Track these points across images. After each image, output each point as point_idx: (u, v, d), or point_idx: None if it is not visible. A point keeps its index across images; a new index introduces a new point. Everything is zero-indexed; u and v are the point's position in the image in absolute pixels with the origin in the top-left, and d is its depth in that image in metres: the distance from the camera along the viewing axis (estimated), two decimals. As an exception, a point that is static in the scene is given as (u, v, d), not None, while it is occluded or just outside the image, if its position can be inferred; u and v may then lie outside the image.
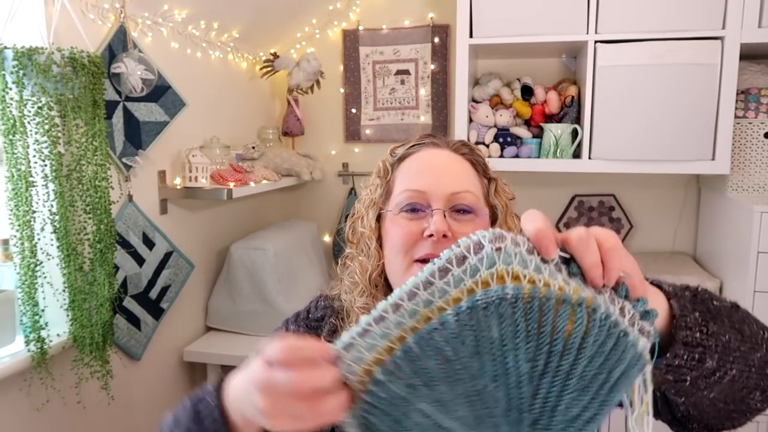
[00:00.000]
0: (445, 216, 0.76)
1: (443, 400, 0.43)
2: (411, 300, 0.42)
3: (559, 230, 2.32)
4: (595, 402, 0.44)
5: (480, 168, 0.84)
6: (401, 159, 0.84)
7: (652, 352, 0.46)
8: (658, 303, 0.54)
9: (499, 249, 0.41)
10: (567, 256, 0.44)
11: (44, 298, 1.34)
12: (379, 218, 0.84)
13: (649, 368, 0.45)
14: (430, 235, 0.74)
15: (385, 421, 0.44)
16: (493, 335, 0.40)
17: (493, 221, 0.83)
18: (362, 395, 0.44)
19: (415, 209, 0.78)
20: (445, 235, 0.73)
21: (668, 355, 0.54)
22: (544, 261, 0.42)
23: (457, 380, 0.42)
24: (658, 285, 0.58)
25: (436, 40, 2.31)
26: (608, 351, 0.42)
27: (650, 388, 0.46)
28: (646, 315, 0.45)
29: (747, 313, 0.62)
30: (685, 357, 0.54)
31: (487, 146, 1.96)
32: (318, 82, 2.33)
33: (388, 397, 0.43)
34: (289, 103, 2.37)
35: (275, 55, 2.29)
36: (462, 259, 0.41)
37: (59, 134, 1.32)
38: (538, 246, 0.43)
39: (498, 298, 0.40)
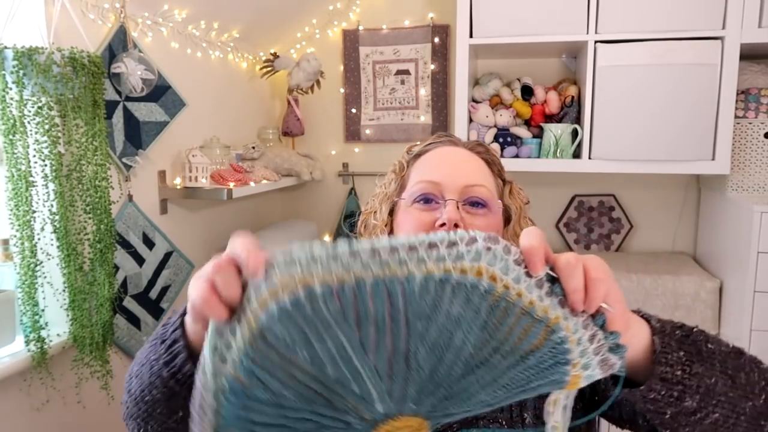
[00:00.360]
0: (458, 207, 0.75)
1: (368, 343, 0.43)
2: (390, 254, 0.43)
3: (560, 230, 2.32)
4: (500, 397, 0.46)
5: (495, 168, 0.84)
6: (417, 156, 0.85)
7: (616, 383, 0.50)
8: (641, 336, 0.56)
9: (489, 249, 0.43)
10: (555, 276, 0.46)
11: (44, 298, 1.34)
12: (391, 212, 0.84)
13: (571, 394, 0.48)
14: (442, 225, 0.74)
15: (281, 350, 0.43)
16: (452, 310, 0.43)
17: (506, 222, 0.83)
18: (258, 314, 0.43)
19: (428, 200, 0.78)
20: (456, 225, 0.73)
21: (643, 387, 0.56)
22: (528, 275, 0.45)
23: (394, 332, 0.43)
24: (647, 319, 0.58)
25: (436, 40, 2.31)
26: (545, 369, 0.45)
27: (566, 413, 0.49)
28: (617, 348, 0.47)
29: (752, 361, 0.61)
30: (663, 393, 0.55)
31: (487, 146, 1.96)
32: (318, 82, 2.33)
33: (300, 322, 0.42)
34: (289, 103, 2.37)
35: (275, 55, 2.29)
36: (452, 244, 0.43)
37: (59, 134, 1.32)
38: (527, 260, 0.45)
39: (471, 285, 0.43)
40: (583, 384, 0.47)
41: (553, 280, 0.46)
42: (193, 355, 0.55)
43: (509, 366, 0.45)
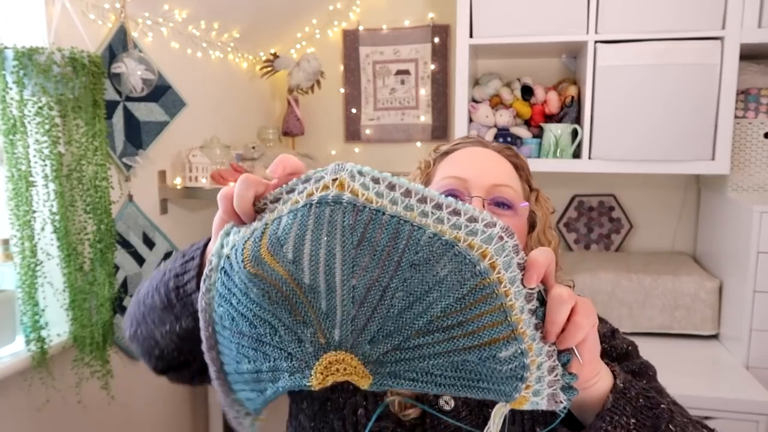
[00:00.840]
0: (483, 206, 0.73)
1: (358, 265, 0.45)
2: (418, 201, 0.46)
3: (560, 230, 2.32)
4: (447, 377, 0.47)
5: (523, 174, 0.83)
6: (445, 154, 0.83)
7: (555, 417, 0.53)
8: (601, 389, 0.56)
9: (501, 238, 0.45)
10: (545, 299, 0.48)
11: (44, 298, 1.34)
12: None
13: (506, 409, 0.49)
14: None
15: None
16: (440, 271, 0.44)
17: (530, 229, 0.81)
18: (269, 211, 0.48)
19: (453, 195, 0.75)
20: None
21: None
22: (523, 284, 0.47)
23: (385, 266, 0.44)
24: (615, 375, 0.57)
25: (436, 40, 2.31)
26: (500, 374, 0.46)
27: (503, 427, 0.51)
28: (569, 390, 0.49)
29: None
30: None
31: (487, 146, 1.96)
32: (318, 82, 2.33)
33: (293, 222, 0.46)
34: (289, 103, 2.37)
35: (275, 55, 2.29)
36: (473, 219, 0.46)
37: (59, 134, 1.32)
38: (526, 269, 0.47)
39: (470, 261, 0.44)
40: (526, 407, 0.48)
41: (542, 303, 0.48)
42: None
43: (465, 347, 0.45)
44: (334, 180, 0.46)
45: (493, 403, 0.50)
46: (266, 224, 0.47)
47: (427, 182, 0.82)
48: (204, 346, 0.53)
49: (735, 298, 1.72)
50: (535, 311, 0.47)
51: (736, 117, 1.78)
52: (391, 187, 0.47)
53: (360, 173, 0.47)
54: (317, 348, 0.46)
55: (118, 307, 1.59)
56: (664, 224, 2.20)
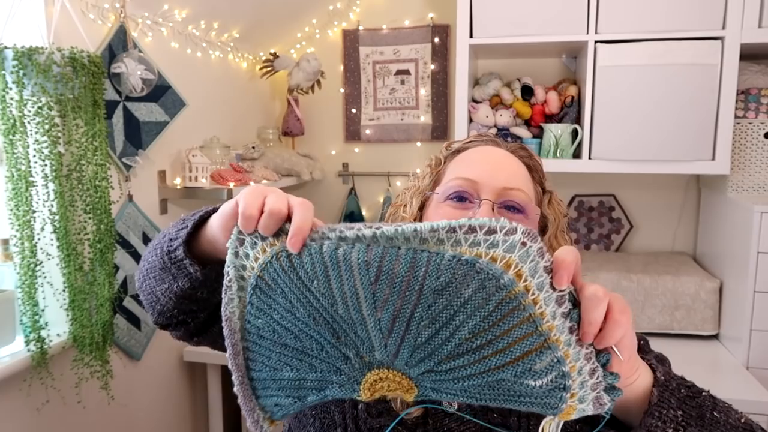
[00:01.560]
0: (493, 209, 0.70)
1: (379, 298, 0.46)
2: (430, 232, 0.46)
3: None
4: (485, 395, 0.47)
5: (537, 175, 0.80)
6: (456, 152, 0.80)
7: (600, 421, 0.51)
8: (643, 384, 0.55)
9: (524, 244, 0.44)
10: (578, 300, 0.47)
11: (44, 298, 1.34)
12: (422, 207, 0.80)
13: (554, 422, 0.49)
14: None
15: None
16: (464, 292, 0.43)
17: (541, 233, 0.78)
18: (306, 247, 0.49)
19: (462, 198, 0.72)
20: None
21: None
22: (553, 287, 0.45)
23: (406, 296, 0.45)
24: (654, 368, 0.57)
25: (436, 40, 2.31)
26: (539, 381, 0.45)
27: None
28: (612, 390, 0.47)
29: None
30: None
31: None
32: (319, 82, 2.33)
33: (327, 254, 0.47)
34: (289, 103, 2.37)
35: (275, 55, 2.29)
36: (490, 232, 0.44)
37: (59, 134, 1.32)
38: (555, 270, 0.45)
39: (493, 276, 0.43)
40: (574, 416, 0.47)
41: (575, 305, 0.46)
42: (191, 245, 0.63)
43: (498, 365, 0.45)
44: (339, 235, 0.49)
45: (498, 409, 0.49)
46: (280, 252, 0.50)
47: (436, 181, 0.79)
48: (229, 353, 0.54)
49: (735, 298, 1.72)
50: (569, 314, 0.45)
51: (736, 117, 1.78)
52: (397, 233, 0.46)
53: (358, 238, 0.48)
54: (362, 366, 0.49)
55: (118, 307, 1.59)
56: (664, 224, 2.20)
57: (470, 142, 0.81)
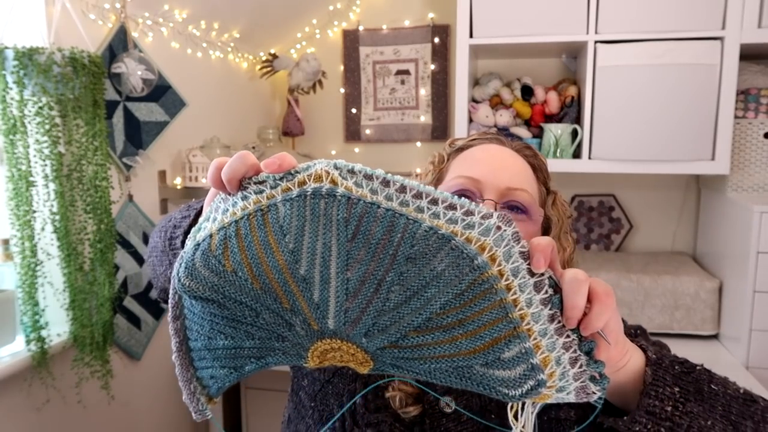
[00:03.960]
0: (495, 209, 0.68)
1: (353, 257, 0.44)
2: (414, 196, 0.46)
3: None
4: (453, 381, 0.45)
5: (541, 175, 0.79)
6: (460, 150, 0.79)
7: (592, 411, 0.50)
8: (635, 366, 0.54)
9: (499, 228, 0.44)
10: (558, 286, 0.46)
11: (44, 298, 1.34)
12: None
13: (533, 408, 0.48)
14: None
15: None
16: (437, 266, 0.43)
17: (545, 233, 0.77)
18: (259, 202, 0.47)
19: (464, 197, 0.73)
20: None
21: (626, 418, 0.54)
22: (531, 273, 0.44)
23: (380, 259, 0.44)
24: (644, 349, 0.56)
25: (436, 40, 2.31)
26: (509, 372, 0.44)
27: (529, 425, 0.49)
28: (599, 379, 0.46)
29: (766, 413, 0.57)
30: (649, 426, 0.53)
31: (487, 146, 1.96)
32: (320, 81, 2.32)
33: (290, 216, 0.45)
34: (289, 103, 2.37)
35: (274, 56, 2.30)
36: (468, 213, 0.45)
37: (60, 134, 1.32)
38: (531, 254, 0.44)
39: (468, 255, 0.43)
40: (552, 401, 0.46)
41: (555, 291, 0.45)
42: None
43: (468, 350, 0.44)
44: (327, 173, 0.46)
45: (500, 404, 0.48)
46: (261, 209, 0.46)
47: (439, 179, 0.78)
48: (169, 315, 0.52)
49: (735, 298, 1.72)
50: (549, 300, 0.45)
51: (736, 117, 1.78)
52: (386, 183, 0.46)
53: (351, 171, 0.46)
54: (310, 333, 0.46)
55: (119, 307, 1.59)
56: (664, 224, 2.20)
57: (474, 139, 0.80)
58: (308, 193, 0.45)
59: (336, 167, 0.46)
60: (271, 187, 0.47)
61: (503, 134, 0.81)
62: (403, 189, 0.46)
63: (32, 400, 1.37)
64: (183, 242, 0.64)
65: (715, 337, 1.84)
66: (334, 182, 0.45)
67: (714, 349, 1.77)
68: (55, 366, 1.40)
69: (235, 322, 0.48)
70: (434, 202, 0.45)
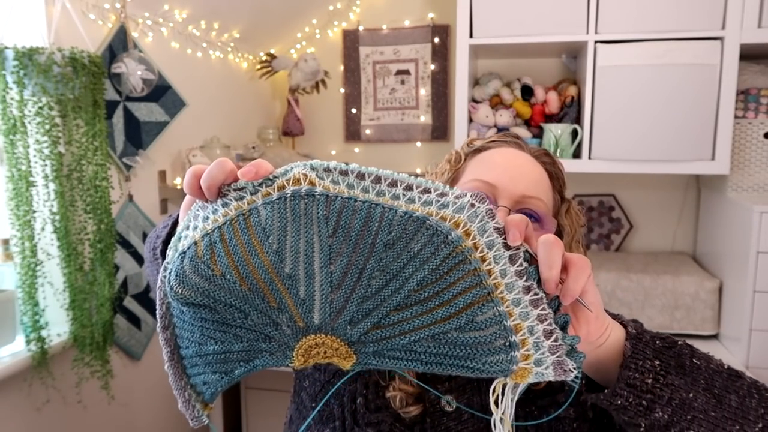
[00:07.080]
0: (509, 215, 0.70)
1: (335, 251, 0.46)
2: (389, 185, 0.48)
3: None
4: (431, 351, 0.47)
5: (557, 183, 0.78)
6: (478, 150, 0.79)
7: (570, 389, 0.50)
8: (615, 341, 0.54)
9: (473, 206, 0.46)
10: (534, 257, 0.47)
11: (44, 298, 1.34)
12: None
13: (518, 387, 0.48)
14: None
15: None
16: (412, 247, 0.45)
17: None
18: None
19: None
20: None
21: (607, 391, 0.54)
22: (507, 247, 0.46)
23: (360, 249, 0.46)
24: (625, 324, 0.57)
25: (436, 40, 2.31)
26: (482, 333, 0.46)
27: (508, 410, 0.49)
28: (575, 354, 0.46)
29: (753, 386, 0.58)
30: (630, 400, 0.53)
31: (487, 146, 1.96)
32: (323, 81, 2.32)
33: (273, 216, 0.47)
34: (289, 103, 2.37)
35: (272, 56, 2.30)
36: (442, 194, 0.47)
37: (60, 134, 1.32)
38: (507, 228, 0.46)
39: (442, 232, 0.45)
40: (532, 380, 0.47)
41: (531, 262, 0.47)
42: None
43: (443, 317, 0.45)
44: (305, 176, 0.48)
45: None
46: (243, 214, 0.47)
47: (455, 179, 0.78)
48: (158, 326, 0.53)
49: (735, 298, 1.72)
50: (525, 272, 0.46)
51: (736, 117, 1.78)
52: (361, 176, 0.48)
53: (327, 170, 0.48)
54: (296, 331, 0.48)
55: (119, 307, 1.59)
56: (664, 224, 2.20)
57: (493, 141, 0.79)
58: (288, 196, 0.47)
59: (312, 168, 0.48)
60: (251, 193, 0.48)
61: (521, 139, 0.81)
62: (378, 179, 0.48)
63: (32, 400, 1.37)
64: (162, 253, 0.62)
65: (715, 337, 1.84)
66: (312, 183, 0.47)
67: (714, 349, 1.77)
68: (55, 366, 1.40)
69: (224, 326, 0.49)
70: (409, 188, 0.48)
